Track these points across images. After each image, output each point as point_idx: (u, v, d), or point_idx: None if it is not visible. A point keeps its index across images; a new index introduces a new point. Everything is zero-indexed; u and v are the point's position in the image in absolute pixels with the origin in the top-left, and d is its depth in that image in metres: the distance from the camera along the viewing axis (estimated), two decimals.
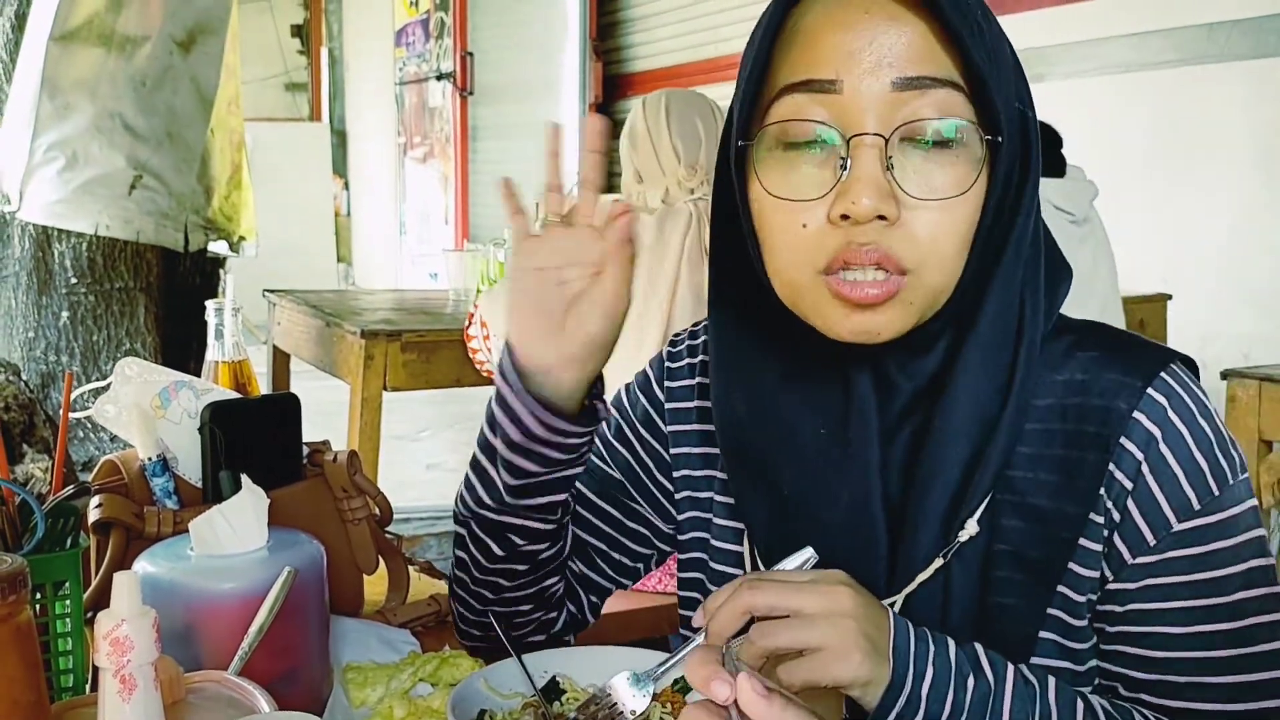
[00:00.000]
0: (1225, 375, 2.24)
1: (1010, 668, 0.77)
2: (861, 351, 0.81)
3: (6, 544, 0.86)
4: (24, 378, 2.21)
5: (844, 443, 0.84)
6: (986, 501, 0.82)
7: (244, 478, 0.97)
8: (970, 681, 0.75)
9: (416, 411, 5.71)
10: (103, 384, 1.06)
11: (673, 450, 1.00)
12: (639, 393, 1.04)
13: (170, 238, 2.40)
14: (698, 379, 0.99)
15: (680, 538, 1.00)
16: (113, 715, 0.64)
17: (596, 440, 1.00)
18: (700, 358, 0.99)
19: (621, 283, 0.86)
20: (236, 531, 0.96)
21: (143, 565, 0.95)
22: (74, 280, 2.25)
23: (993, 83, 0.76)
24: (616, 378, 2.27)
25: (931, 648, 0.75)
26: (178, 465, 1.07)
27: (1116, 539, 0.81)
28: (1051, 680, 0.78)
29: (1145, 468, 0.79)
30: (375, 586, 1.23)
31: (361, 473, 1.18)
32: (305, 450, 1.17)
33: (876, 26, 0.76)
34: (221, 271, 3.03)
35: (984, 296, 0.80)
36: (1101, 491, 0.80)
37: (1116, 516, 0.80)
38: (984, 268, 0.79)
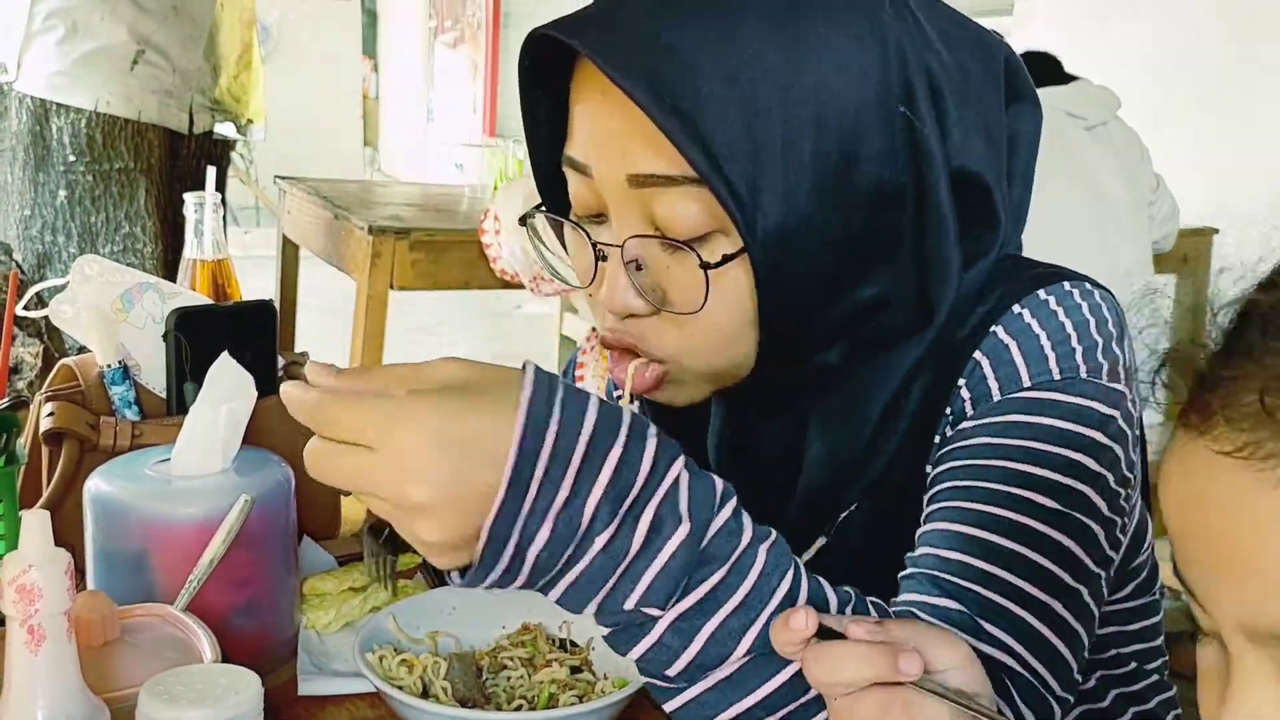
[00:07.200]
0: None
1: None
2: None
3: None
4: (18, 257, 2.14)
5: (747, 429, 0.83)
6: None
7: (232, 361, 0.90)
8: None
9: (433, 303, 5.64)
10: (61, 282, 0.98)
11: None
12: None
13: (174, 118, 2.30)
14: None
15: None
16: (20, 669, 0.58)
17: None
18: None
19: None
20: (203, 448, 0.89)
21: (95, 483, 0.89)
22: (72, 158, 2.16)
23: (737, 165, 0.64)
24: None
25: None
26: (140, 373, 1.00)
27: (948, 429, 0.74)
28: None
29: (986, 363, 0.72)
30: (355, 508, 1.16)
31: None
32: (281, 361, 1.09)
33: (610, 112, 0.67)
34: (235, 154, 2.92)
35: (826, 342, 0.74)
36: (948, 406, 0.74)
37: (954, 409, 0.73)
38: (803, 327, 0.72)
